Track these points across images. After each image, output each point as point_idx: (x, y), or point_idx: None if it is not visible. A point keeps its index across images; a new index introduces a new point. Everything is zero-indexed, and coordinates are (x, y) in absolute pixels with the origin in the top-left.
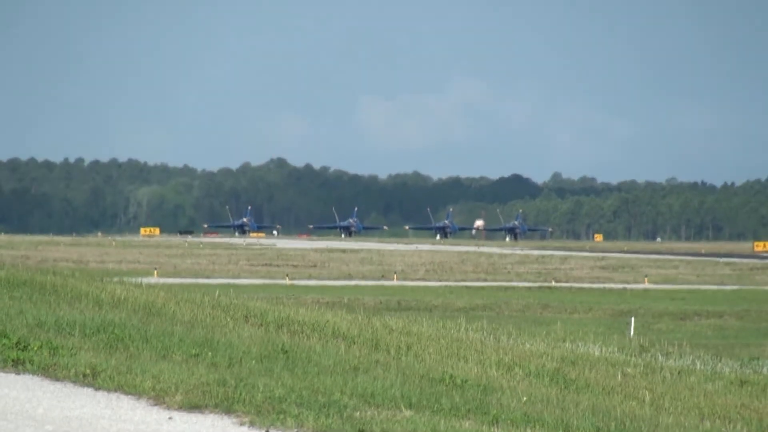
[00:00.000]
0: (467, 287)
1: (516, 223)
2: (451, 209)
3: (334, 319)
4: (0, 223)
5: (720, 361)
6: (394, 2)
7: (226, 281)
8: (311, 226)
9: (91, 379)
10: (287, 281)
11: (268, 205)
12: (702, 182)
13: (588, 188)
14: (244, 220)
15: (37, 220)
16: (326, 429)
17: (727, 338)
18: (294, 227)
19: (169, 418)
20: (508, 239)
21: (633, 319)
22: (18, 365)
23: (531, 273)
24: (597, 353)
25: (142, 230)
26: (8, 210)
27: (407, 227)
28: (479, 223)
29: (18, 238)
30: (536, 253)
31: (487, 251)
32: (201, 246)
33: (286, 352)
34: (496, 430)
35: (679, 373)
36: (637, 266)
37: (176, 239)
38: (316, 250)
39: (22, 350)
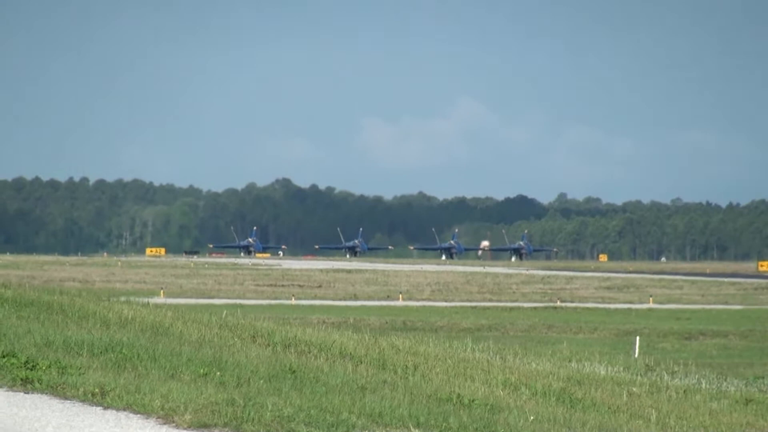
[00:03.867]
0: (473, 307)
1: (521, 243)
2: (456, 230)
3: (340, 339)
4: (5, 243)
5: (725, 380)
6: (398, 27)
7: (231, 301)
8: (317, 247)
9: (99, 398)
10: (293, 301)
11: (274, 225)
12: (707, 202)
13: (593, 209)
14: (250, 240)
15: (42, 240)
16: None
17: (731, 357)
18: (299, 248)
19: None
20: (513, 259)
21: (638, 338)
22: (27, 384)
23: (536, 293)
24: (603, 373)
25: (147, 250)
26: (13, 230)
27: (412, 248)
28: (485, 243)
29: (23, 258)
30: (541, 273)
31: (492, 271)
32: (206, 266)
33: (294, 371)
34: None
35: (684, 392)
36: (642, 286)
37: (182, 259)
38: (321, 271)
39: (31, 369)
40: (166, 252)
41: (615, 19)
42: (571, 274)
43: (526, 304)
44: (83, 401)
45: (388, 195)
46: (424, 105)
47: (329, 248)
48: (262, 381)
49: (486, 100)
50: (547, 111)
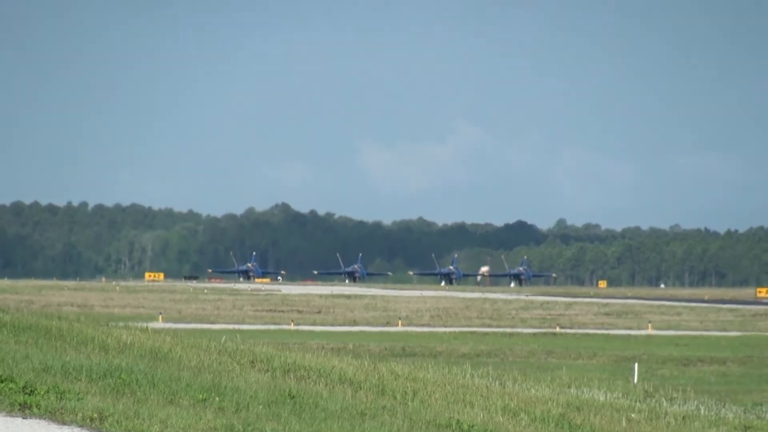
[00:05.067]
0: (472, 333)
1: (521, 269)
2: (455, 255)
3: (340, 364)
4: (3, 267)
5: (724, 406)
6: (395, 50)
7: (230, 326)
8: (316, 272)
9: (98, 423)
10: (292, 327)
11: (273, 250)
12: (705, 229)
13: (592, 235)
14: (249, 265)
15: (40, 264)
16: None
17: (730, 384)
18: (299, 273)
19: None
20: (512, 285)
21: (636, 365)
22: (25, 409)
23: (535, 319)
24: (602, 399)
25: (146, 275)
26: (11, 254)
27: (412, 273)
28: (484, 269)
29: (21, 283)
30: (541, 299)
31: (491, 297)
32: (205, 291)
33: (293, 397)
34: None
35: (683, 418)
36: (641, 312)
37: (181, 284)
38: (320, 296)
39: (29, 394)
40: (165, 277)
41: (614, 44)
42: (571, 299)
43: (525, 330)
44: (82, 426)
45: (387, 220)
46: (422, 129)
47: (328, 273)
48: (261, 406)
49: (484, 125)
50: (546, 136)
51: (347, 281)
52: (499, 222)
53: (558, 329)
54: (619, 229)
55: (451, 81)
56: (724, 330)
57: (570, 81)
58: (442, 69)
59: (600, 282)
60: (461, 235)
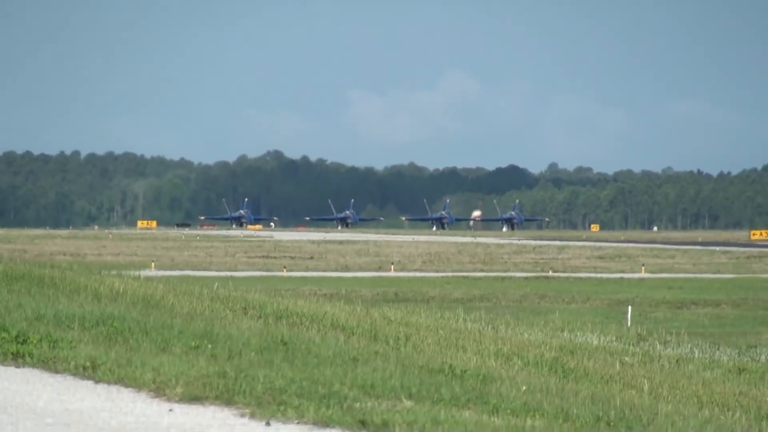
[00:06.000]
0: (464, 278)
1: (513, 213)
2: (448, 200)
3: (332, 310)
4: None
5: (718, 349)
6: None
7: (223, 273)
8: (308, 218)
9: (91, 371)
10: (284, 273)
11: (265, 197)
12: (698, 171)
13: (584, 178)
14: (241, 212)
15: (33, 213)
16: (327, 420)
17: (724, 326)
18: (291, 219)
19: (170, 410)
20: (505, 229)
21: (630, 308)
22: (17, 358)
23: (528, 263)
24: (595, 342)
25: (138, 223)
26: (4, 203)
27: (404, 218)
28: (476, 213)
29: (14, 232)
30: (533, 243)
31: (484, 242)
32: (198, 238)
33: (286, 343)
34: (496, 419)
35: (677, 361)
36: (634, 256)
37: (173, 232)
38: (313, 242)
39: (22, 343)
40: (158, 224)
41: None
42: (563, 243)
43: (517, 274)
44: (74, 375)
45: (379, 166)
46: (412, 77)
47: (321, 219)
48: (253, 353)
49: (474, 72)
50: (537, 81)
51: (339, 227)
52: (490, 166)
53: (551, 273)
54: (611, 172)
55: (442, 29)
56: (718, 272)
57: (560, 28)
58: (433, 17)
59: (592, 225)
60: (453, 180)
